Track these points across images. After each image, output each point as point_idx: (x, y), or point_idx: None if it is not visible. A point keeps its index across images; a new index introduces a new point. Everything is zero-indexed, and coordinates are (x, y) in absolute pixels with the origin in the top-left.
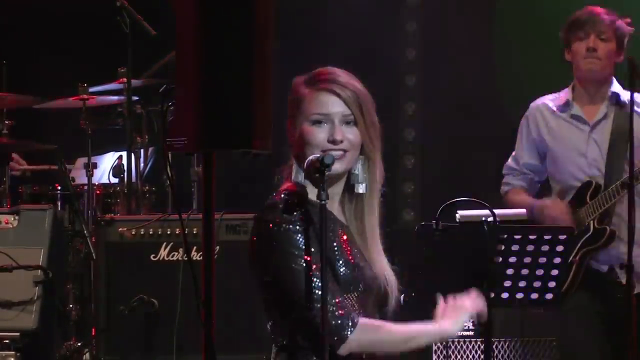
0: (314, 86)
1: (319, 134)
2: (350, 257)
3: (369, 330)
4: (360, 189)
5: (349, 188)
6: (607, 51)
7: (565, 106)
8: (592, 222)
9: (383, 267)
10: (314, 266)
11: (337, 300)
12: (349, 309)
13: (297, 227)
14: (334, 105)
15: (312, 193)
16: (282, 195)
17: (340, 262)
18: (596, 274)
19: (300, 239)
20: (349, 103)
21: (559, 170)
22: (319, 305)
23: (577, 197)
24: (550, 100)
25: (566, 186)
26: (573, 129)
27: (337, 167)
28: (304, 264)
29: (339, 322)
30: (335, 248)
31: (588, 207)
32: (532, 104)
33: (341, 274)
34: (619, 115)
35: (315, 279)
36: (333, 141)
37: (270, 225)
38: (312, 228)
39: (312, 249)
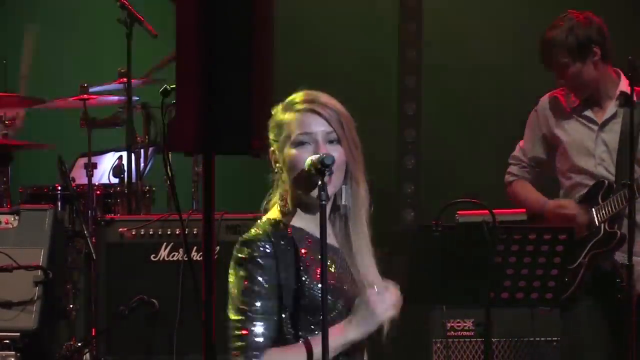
0: (293, 109)
1: (304, 155)
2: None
3: (274, 358)
4: (344, 210)
5: (335, 209)
6: (570, 76)
7: (575, 104)
8: (603, 225)
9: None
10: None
11: (254, 326)
12: (260, 338)
13: (262, 261)
14: (317, 124)
15: (300, 218)
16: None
17: (306, 286)
18: (600, 275)
19: (264, 275)
20: (331, 121)
21: (567, 167)
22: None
23: (588, 196)
24: (562, 96)
25: (574, 183)
26: (582, 127)
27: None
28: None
29: (247, 348)
30: (302, 273)
31: (600, 208)
32: (543, 98)
33: (307, 297)
34: (628, 115)
35: (248, 299)
36: None
37: (238, 259)
38: (280, 261)
39: (269, 282)
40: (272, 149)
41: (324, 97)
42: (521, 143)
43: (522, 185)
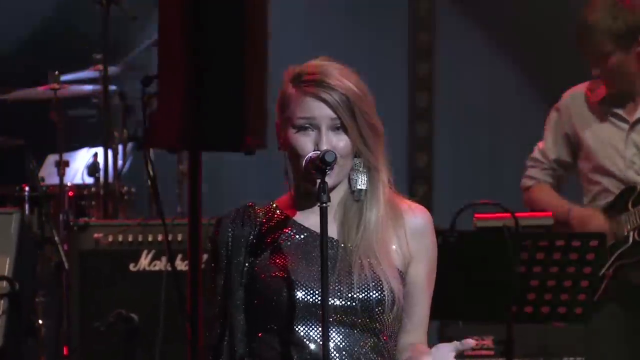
0: (300, 87)
1: (305, 144)
2: (279, 274)
3: None
4: (358, 195)
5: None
6: (610, 67)
7: (602, 101)
8: (632, 233)
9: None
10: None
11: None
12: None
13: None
14: (321, 109)
15: (299, 205)
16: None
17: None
18: (627, 286)
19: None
20: (337, 108)
21: (592, 169)
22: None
23: (617, 202)
24: (589, 90)
25: (600, 189)
26: (611, 126)
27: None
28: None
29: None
30: (255, 267)
31: (629, 215)
32: (566, 94)
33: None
34: None
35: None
36: None
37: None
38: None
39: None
40: (277, 120)
41: (334, 76)
42: (540, 144)
43: (543, 190)
